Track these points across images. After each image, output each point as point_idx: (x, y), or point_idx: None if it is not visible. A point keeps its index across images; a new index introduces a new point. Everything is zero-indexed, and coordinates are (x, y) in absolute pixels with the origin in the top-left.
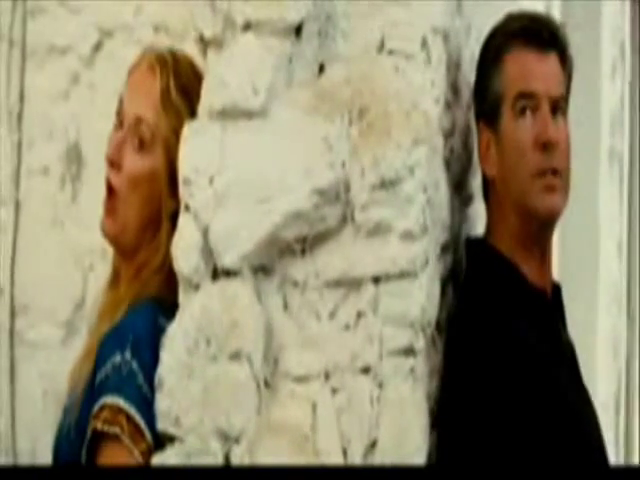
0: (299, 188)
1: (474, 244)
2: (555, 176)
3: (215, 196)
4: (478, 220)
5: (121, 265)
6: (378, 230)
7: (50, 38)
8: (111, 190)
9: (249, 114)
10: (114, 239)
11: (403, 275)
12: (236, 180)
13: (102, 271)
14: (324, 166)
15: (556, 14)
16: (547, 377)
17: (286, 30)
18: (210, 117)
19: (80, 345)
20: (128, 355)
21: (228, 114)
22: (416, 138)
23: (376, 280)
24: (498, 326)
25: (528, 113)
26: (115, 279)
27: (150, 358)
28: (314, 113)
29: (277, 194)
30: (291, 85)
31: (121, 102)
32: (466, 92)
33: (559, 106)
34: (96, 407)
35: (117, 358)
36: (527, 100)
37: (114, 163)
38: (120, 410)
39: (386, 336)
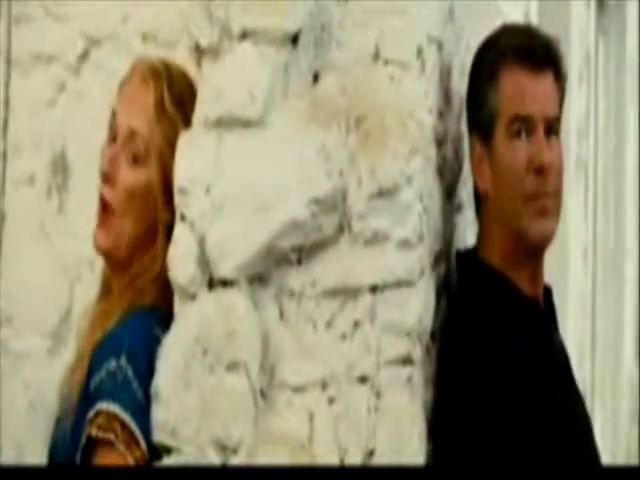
0: (296, 197)
1: (465, 256)
2: (549, 198)
3: (211, 206)
4: (468, 228)
5: (112, 276)
6: (375, 239)
7: (36, 46)
8: (104, 205)
9: (245, 123)
10: (107, 253)
11: (400, 284)
12: (232, 189)
13: (89, 281)
14: (321, 175)
15: (534, 19)
16: (540, 386)
17: (283, 39)
18: (206, 126)
19: (66, 356)
20: (123, 361)
21: (224, 123)
22: (413, 147)
23: (373, 289)
24: (490, 336)
25: (523, 135)
26: (106, 290)
27: (145, 366)
28: (311, 122)
29: (274, 203)
30: (287, 94)
31: (114, 115)
32: (456, 101)
33: (553, 127)
34: (91, 413)
35: (112, 364)
36: (522, 122)
37: (108, 178)
38: (115, 416)
39: (383, 345)
